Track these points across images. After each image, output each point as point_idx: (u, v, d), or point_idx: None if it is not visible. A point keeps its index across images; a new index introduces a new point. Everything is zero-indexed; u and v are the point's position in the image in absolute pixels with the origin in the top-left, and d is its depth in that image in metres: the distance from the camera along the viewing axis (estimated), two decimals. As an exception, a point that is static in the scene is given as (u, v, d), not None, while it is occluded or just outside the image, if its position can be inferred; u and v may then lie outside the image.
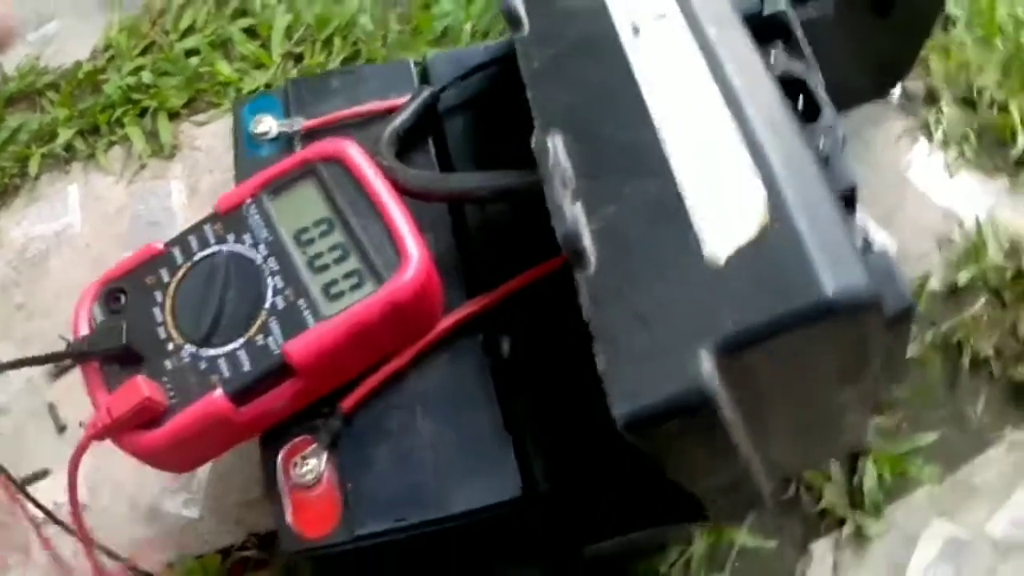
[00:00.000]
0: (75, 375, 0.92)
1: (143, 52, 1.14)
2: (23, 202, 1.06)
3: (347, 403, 0.57)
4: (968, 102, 1.05)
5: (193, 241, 0.59)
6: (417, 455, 0.57)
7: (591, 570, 0.69)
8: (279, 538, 0.56)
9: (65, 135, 1.08)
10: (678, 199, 0.47)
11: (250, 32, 1.13)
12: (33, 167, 1.07)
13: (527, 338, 0.60)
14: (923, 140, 1.02)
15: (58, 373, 0.94)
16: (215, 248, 0.58)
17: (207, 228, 0.59)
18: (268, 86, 1.06)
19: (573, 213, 0.48)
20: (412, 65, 0.72)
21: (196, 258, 0.58)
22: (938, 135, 1.02)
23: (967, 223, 0.96)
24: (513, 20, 0.58)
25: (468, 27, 1.08)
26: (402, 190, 0.58)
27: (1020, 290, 0.92)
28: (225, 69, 1.09)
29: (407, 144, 0.65)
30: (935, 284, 0.92)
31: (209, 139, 1.07)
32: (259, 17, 1.13)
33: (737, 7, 0.57)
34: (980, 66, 1.05)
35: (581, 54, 0.55)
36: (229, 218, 0.59)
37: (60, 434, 0.91)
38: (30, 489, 0.83)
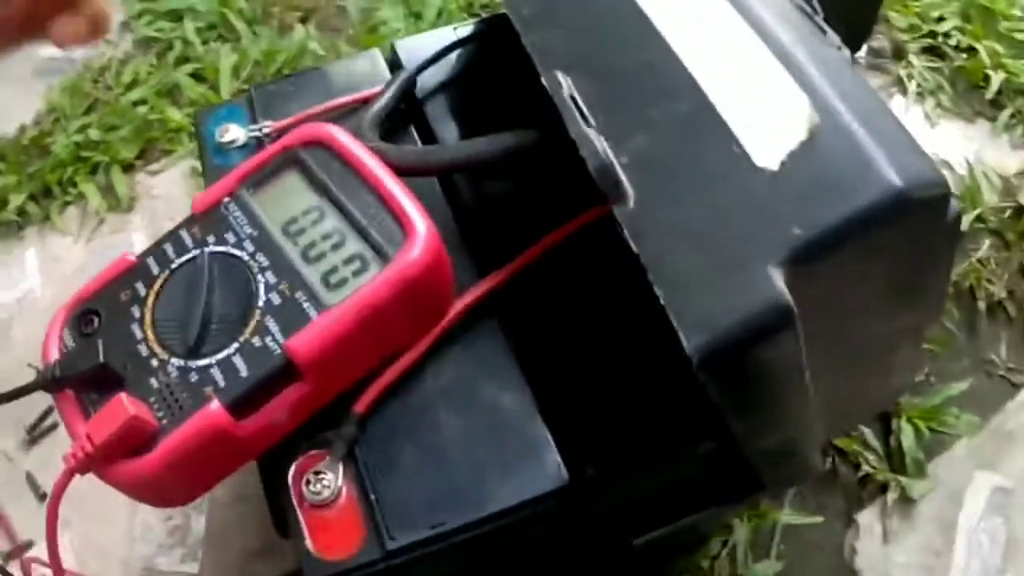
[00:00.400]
0: (50, 441, 0.85)
1: (88, 111, 1.07)
2: (-21, 273, 0.97)
3: (360, 406, 0.49)
4: (935, 51, 1.02)
5: (169, 248, 0.50)
6: (446, 453, 0.48)
7: (631, 571, 0.61)
8: (301, 567, 0.47)
9: (16, 200, 0.99)
10: (713, 114, 0.42)
11: (196, 76, 1.06)
12: (-14, 236, 0.98)
13: (548, 312, 0.52)
14: (898, 96, 1.00)
15: (32, 441, 0.86)
16: (195, 252, 0.50)
17: (183, 232, 0.51)
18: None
19: (601, 141, 0.41)
20: (380, 55, 0.65)
21: (174, 265, 0.50)
22: (912, 88, 0.99)
23: (957, 169, 0.94)
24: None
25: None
26: (396, 168, 0.50)
27: (1020, 228, 0.89)
28: (175, 115, 1.02)
29: (388, 130, 0.58)
30: (939, 233, 0.89)
31: (166, 186, 0.99)
32: (204, 61, 1.06)
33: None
34: (940, 15, 1.02)
35: None
36: (207, 218, 0.51)
37: (42, 503, 0.82)
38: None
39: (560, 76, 0.44)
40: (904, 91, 1.00)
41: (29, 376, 0.76)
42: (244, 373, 0.46)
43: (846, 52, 0.50)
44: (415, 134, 0.60)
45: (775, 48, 0.43)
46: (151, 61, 1.09)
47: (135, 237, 0.96)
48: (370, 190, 0.49)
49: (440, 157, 0.51)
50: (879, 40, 1.02)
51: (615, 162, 0.41)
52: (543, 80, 0.44)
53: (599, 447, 0.49)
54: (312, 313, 0.46)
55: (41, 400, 0.87)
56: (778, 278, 0.36)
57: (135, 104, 1.04)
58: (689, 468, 0.52)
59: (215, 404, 0.45)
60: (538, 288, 0.53)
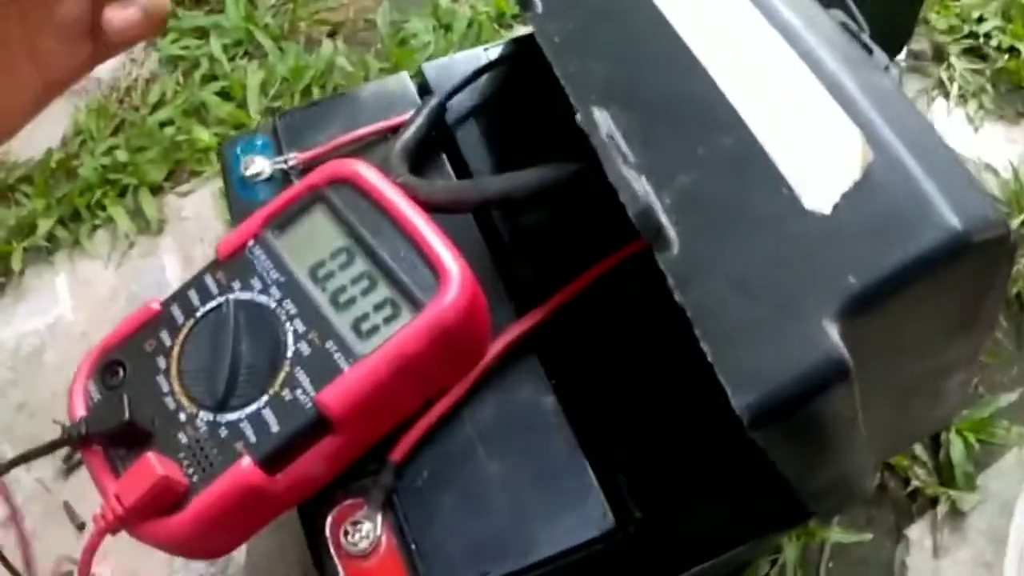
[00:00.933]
0: (87, 471, 0.83)
1: (114, 132, 1.05)
2: (10, 299, 0.96)
3: (397, 454, 0.47)
4: (976, 52, 0.99)
5: (193, 295, 0.48)
6: (488, 499, 0.46)
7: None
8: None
9: (45, 225, 0.97)
10: (760, 152, 0.38)
11: (223, 95, 1.04)
12: (16, 262, 0.96)
13: (589, 348, 0.50)
14: (940, 99, 0.96)
15: (69, 470, 0.85)
16: (220, 299, 0.47)
17: (208, 278, 0.48)
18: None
19: (642, 185, 0.39)
20: (408, 78, 0.62)
21: (199, 313, 0.47)
22: (954, 91, 0.96)
23: (1002, 173, 0.90)
24: (521, -1, 0.48)
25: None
26: (427, 205, 0.48)
27: (1068, 232, 0.85)
28: (203, 135, 1.00)
29: (418, 160, 0.55)
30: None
31: (196, 207, 0.97)
32: (230, 78, 1.04)
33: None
34: (980, 15, 0.99)
35: (606, 19, 0.46)
36: (232, 264, 0.48)
37: (80, 531, 0.81)
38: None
39: (596, 112, 0.41)
40: (946, 94, 0.97)
41: (62, 405, 0.75)
42: (275, 428, 0.43)
43: (894, 72, 0.47)
44: (446, 163, 0.58)
45: (823, 76, 0.40)
46: (177, 80, 1.07)
47: (166, 260, 0.94)
48: (400, 231, 0.46)
49: (472, 194, 0.49)
50: (919, 42, 0.99)
51: (657, 206, 0.38)
52: (578, 118, 0.42)
53: (645, 488, 0.47)
54: (343, 364, 0.44)
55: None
56: (833, 330, 0.34)
57: (162, 125, 1.02)
58: (737, 505, 0.49)
59: (247, 461, 0.43)
60: (578, 323, 0.50)
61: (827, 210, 0.36)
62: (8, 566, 0.52)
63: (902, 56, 0.96)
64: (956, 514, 0.73)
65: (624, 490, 0.47)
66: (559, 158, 0.50)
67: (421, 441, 0.47)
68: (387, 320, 0.44)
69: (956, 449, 0.74)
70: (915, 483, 0.74)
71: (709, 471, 0.48)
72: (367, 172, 0.48)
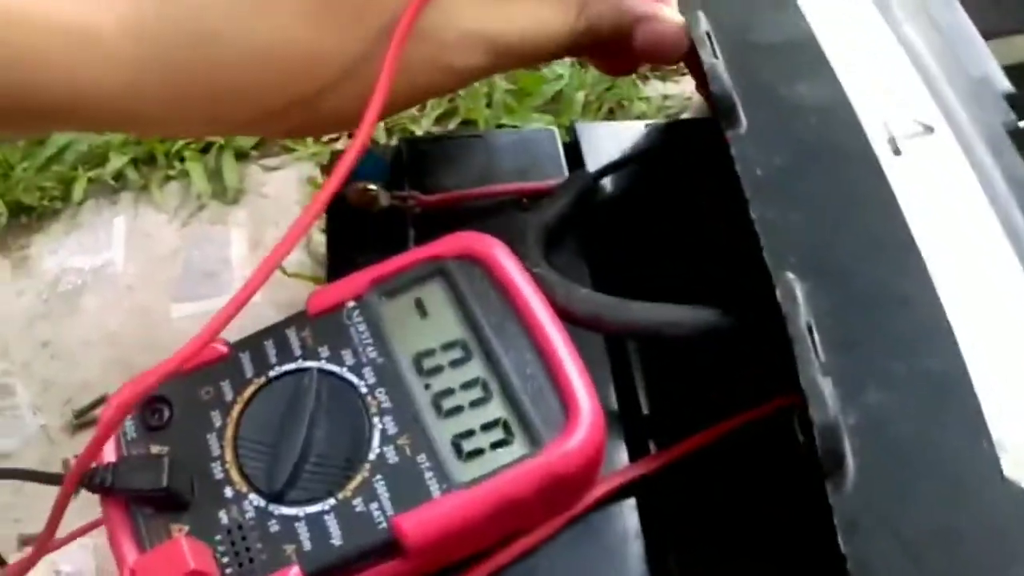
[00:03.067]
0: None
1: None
2: (62, 228, 0.89)
3: (462, 589, 0.39)
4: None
5: (270, 348, 0.40)
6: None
7: None
8: None
9: (117, 162, 0.90)
10: (966, 388, 0.32)
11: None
12: (78, 192, 0.90)
13: (697, 508, 0.42)
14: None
15: (78, 426, 0.78)
16: (301, 364, 0.39)
17: (291, 334, 0.40)
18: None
19: (834, 400, 0.32)
20: (557, 136, 0.54)
21: (273, 373, 0.39)
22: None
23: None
24: (726, 110, 0.41)
25: (580, 96, 0.91)
26: (562, 313, 0.40)
27: None
28: (304, 110, 0.92)
29: (554, 242, 0.47)
30: None
31: (278, 186, 0.89)
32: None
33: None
34: None
35: (821, 169, 0.39)
36: (323, 324, 0.40)
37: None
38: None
39: (796, 287, 0.34)
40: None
41: (93, 353, 0.67)
42: (336, 540, 0.36)
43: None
44: (583, 257, 0.50)
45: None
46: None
47: (234, 234, 0.87)
48: (531, 340, 0.38)
49: (615, 316, 0.40)
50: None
51: (843, 428, 0.31)
52: (777, 291, 0.34)
53: None
54: (435, 489, 0.36)
55: (98, 387, 0.80)
56: None
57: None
58: None
59: (295, 572, 0.35)
60: (692, 476, 0.42)
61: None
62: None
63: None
64: None
65: None
66: (714, 284, 0.43)
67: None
68: (495, 446, 0.37)
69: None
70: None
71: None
72: (504, 257, 0.40)
